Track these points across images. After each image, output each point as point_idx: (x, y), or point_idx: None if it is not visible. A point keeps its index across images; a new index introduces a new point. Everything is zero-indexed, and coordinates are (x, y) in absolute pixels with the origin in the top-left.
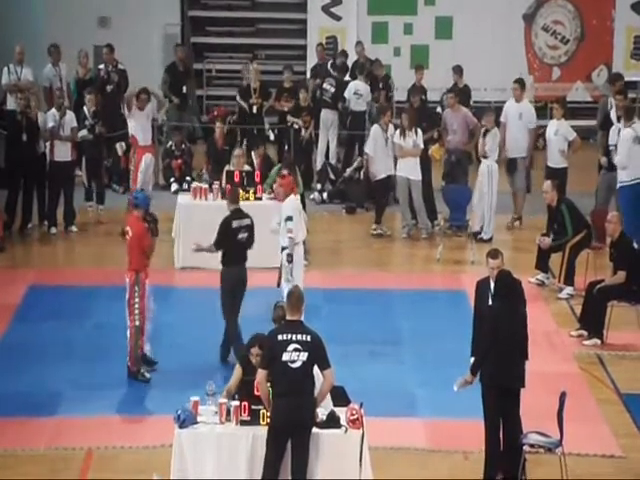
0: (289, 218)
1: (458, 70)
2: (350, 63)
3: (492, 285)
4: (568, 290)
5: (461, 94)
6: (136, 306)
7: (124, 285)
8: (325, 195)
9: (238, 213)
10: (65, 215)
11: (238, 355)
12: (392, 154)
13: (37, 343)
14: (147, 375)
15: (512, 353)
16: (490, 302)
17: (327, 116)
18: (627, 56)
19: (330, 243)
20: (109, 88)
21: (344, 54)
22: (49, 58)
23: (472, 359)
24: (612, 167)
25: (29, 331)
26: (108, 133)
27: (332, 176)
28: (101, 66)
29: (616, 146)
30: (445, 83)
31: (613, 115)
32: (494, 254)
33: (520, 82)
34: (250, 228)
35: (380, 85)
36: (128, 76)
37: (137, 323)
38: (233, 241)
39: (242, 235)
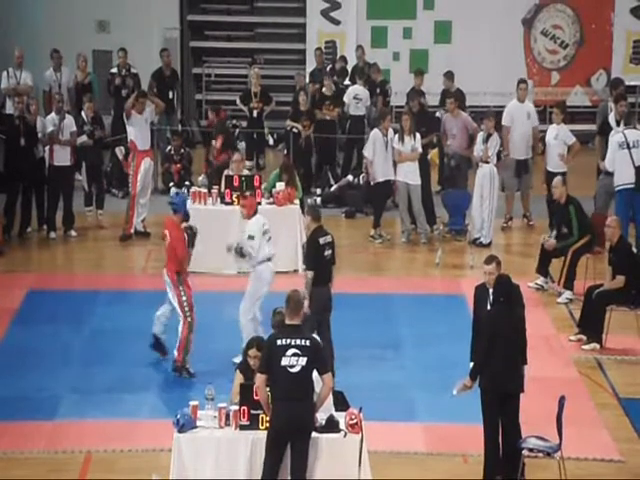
0: (250, 237)
1: (450, 75)
2: (349, 67)
3: (490, 290)
4: (567, 294)
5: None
6: (185, 303)
7: (125, 289)
8: (319, 200)
9: (322, 230)
10: (64, 220)
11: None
12: (391, 158)
13: (36, 347)
14: (192, 371)
15: (511, 357)
16: (489, 307)
17: None
18: (626, 60)
19: None
20: (124, 92)
21: (343, 59)
22: (51, 62)
23: (471, 364)
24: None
25: (28, 335)
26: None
27: (332, 181)
28: (114, 70)
29: None
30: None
31: (612, 119)
32: (488, 260)
33: (524, 81)
34: (332, 245)
35: (377, 90)
36: (140, 80)
37: (189, 319)
38: (322, 259)
39: (327, 252)
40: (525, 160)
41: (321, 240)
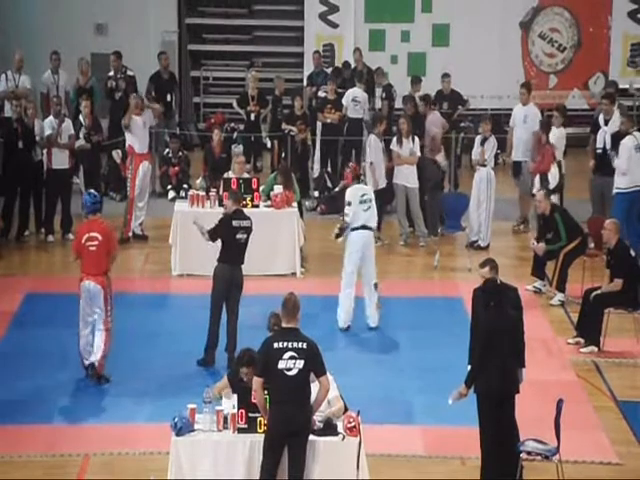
0: (348, 203)
1: (447, 79)
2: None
3: None
4: (559, 296)
5: (452, 100)
6: (110, 312)
7: (123, 292)
8: (315, 203)
9: (240, 214)
10: (62, 223)
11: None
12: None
13: (34, 350)
14: (108, 377)
15: (505, 361)
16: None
17: None
18: (624, 63)
19: (327, 250)
20: (117, 95)
21: (347, 65)
22: (50, 65)
23: (468, 367)
24: (598, 170)
25: (26, 338)
26: (114, 139)
27: (329, 184)
28: (110, 73)
29: (603, 149)
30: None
31: (601, 119)
32: (482, 263)
33: (526, 86)
34: (249, 231)
35: (383, 95)
36: (137, 82)
37: (110, 325)
38: (233, 239)
39: (241, 236)
40: (519, 162)
41: (235, 222)
